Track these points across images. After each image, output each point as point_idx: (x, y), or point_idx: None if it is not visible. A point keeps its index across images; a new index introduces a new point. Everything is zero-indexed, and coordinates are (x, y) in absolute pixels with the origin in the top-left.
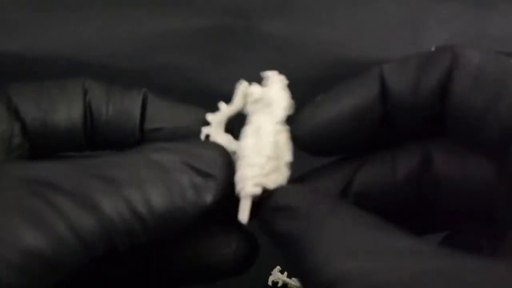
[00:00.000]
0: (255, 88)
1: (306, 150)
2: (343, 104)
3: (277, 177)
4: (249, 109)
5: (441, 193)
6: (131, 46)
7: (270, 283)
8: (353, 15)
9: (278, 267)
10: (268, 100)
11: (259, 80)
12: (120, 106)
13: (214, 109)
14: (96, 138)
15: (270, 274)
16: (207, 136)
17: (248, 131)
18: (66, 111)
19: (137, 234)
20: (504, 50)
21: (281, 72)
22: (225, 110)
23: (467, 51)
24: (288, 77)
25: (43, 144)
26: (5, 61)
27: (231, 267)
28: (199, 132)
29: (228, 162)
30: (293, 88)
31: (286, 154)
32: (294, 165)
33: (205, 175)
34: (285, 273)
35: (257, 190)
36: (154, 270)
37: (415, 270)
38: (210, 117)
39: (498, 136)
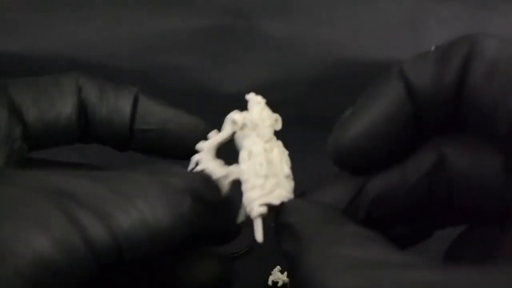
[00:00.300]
0: (237, 116)
1: (346, 169)
2: (373, 112)
3: (280, 192)
4: (239, 135)
5: (455, 190)
6: (131, 46)
7: (270, 283)
8: (353, 15)
9: (278, 267)
10: (252, 123)
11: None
12: (113, 105)
13: (214, 109)
14: (89, 134)
15: (270, 274)
16: (197, 164)
17: (242, 156)
18: (63, 109)
19: (145, 247)
20: None
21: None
22: (215, 138)
23: (484, 41)
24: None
25: (40, 142)
26: (5, 61)
27: None
28: (186, 137)
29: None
30: (293, 88)
31: (284, 168)
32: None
33: (206, 202)
34: (285, 273)
35: (264, 210)
36: None
37: (407, 283)
38: (200, 144)
39: (507, 129)
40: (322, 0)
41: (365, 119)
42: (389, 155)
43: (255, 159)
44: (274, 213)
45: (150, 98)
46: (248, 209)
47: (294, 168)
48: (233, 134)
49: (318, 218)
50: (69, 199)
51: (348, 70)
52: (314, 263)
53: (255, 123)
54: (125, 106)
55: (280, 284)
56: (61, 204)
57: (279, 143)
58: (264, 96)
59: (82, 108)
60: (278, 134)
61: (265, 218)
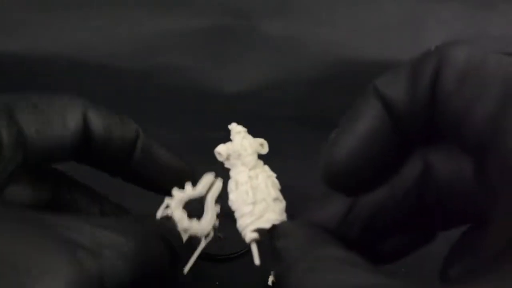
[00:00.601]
0: (220, 148)
1: (338, 190)
2: (356, 133)
3: (270, 216)
4: (227, 165)
5: (442, 196)
6: (131, 46)
7: (270, 283)
8: (353, 15)
9: None
10: (235, 153)
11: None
12: (118, 136)
13: (214, 109)
14: (85, 158)
15: (270, 274)
16: (167, 206)
17: (230, 186)
18: (65, 134)
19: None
20: (504, 50)
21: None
22: (188, 192)
23: (453, 50)
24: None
25: (35, 158)
26: (5, 61)
27: None
28: (174, 181)
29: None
30: (293, 88)
31: (271, 192)
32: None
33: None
34: None
35: (255, 235)
36: None
37: None
38: (175, 192)
39: (474, 135)
40: (322, 0)
41: (349, 141)
42: (378, 173)
43: (241, 188)
44: (268, 234)
45: (150, 138)
46: (242, 235)
47: (294, 167)
48: (206, 193)
49: (301, 243)
50: (78, 248)
51: (348, 70)
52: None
53: (238, 153)
54: (129, 140)
55: None
56: (67, 249)
57: (266, 167)
58: (264, 96)
59: (86, 127)
60: (278, 134)
61: (259, 241)
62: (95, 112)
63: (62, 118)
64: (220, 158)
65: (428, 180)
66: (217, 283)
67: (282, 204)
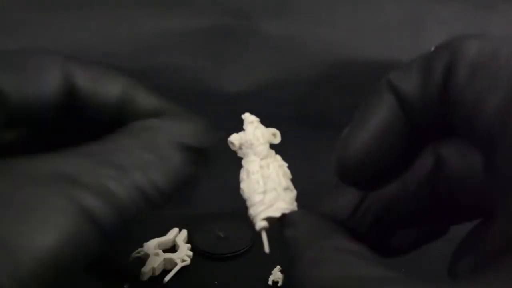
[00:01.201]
0: (233, 137)
1: (352, 184)
2: (370, 127)
3: (280, 204)
4: (240, 154)
5: (455, 190)
6: (131, 46)
7: (270, 282)
8: (353, 15)
9: (278, 267)
10: (247, 142)
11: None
12: (103, 88)
13: (214, 109)
14: (72, 115)
15: (271, 274)
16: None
17: (242, 176)
18: (46, 89)
19: (144, 212)
20: None
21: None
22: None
23: (465, 43)
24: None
25: (19, 118)
26: None
27: None
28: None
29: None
30: (293, 88)
31: (282, 181)
32: None
33: (193, 149)
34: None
35: (265, 224)
36: None
37: None
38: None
39: (484, 129)
40: (322, 0)
41: (363, 135)
42: (391, 167)
43: (253, 177)
44: (278, 223)
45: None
46: (253, 224)
47: (294, 167)
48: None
49: (309, 233)
50: (69, 182)
51: (348, 70)
52: (301, 277)
53: (250, 142)
54: (115, 89)
55: (280, 284)
56: (65, 191)
57: (277, 157)
58: (264, 96)
59: (68, 88)
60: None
61: (267, 229)
62: (77, 65)
63: (41, 74)
64: (232, 148)
65: (440, 174)
66: (216, 282)
67: (292, 193)
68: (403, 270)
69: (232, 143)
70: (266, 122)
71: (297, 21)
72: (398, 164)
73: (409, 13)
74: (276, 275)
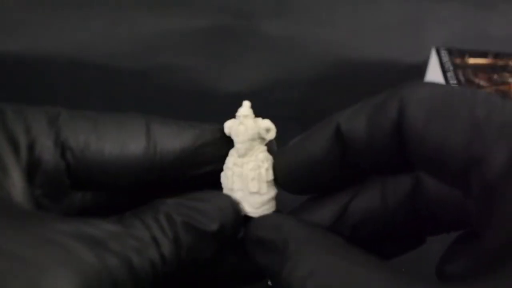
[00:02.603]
0: (226, 124)
1: (285, 190)
2: (305, 150)
3: (244, 206)
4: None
5: (434, 208)
6: (131, 46)
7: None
8: (353, 15)
9: None
10: (231, 135)
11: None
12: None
13: (214, 109)
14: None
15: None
16: None
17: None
18: (132, 148)
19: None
20: (504, 50)
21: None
22: None
23: (415, 88)
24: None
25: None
26: (5, 61)
27: None
28: None
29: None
30: (293, 88)
31: (250, 185)
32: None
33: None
34: None
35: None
36: None
37: None
38: None
39: (456, 165)
40: (322, 0)
41: (298, 155)
42: (322, 186)
43: (226, 172)
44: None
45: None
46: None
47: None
48: None
49: (303, 235)
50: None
51: (348, 70)
52: (300, 276)
53: (232, 136)
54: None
55: None
56: (90, 246)
57: (260, 156)
58: (264, 96)
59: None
60: (278, 134)
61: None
62: (157, 122)
63: (127, 135)
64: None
65: (419, 194)
66: None
67: (261, 198)
68: (403, 270)
69: (225, 127)
70: None
71: (297, 21)
72: (330, 185)
73: (409, 13)
74: None
